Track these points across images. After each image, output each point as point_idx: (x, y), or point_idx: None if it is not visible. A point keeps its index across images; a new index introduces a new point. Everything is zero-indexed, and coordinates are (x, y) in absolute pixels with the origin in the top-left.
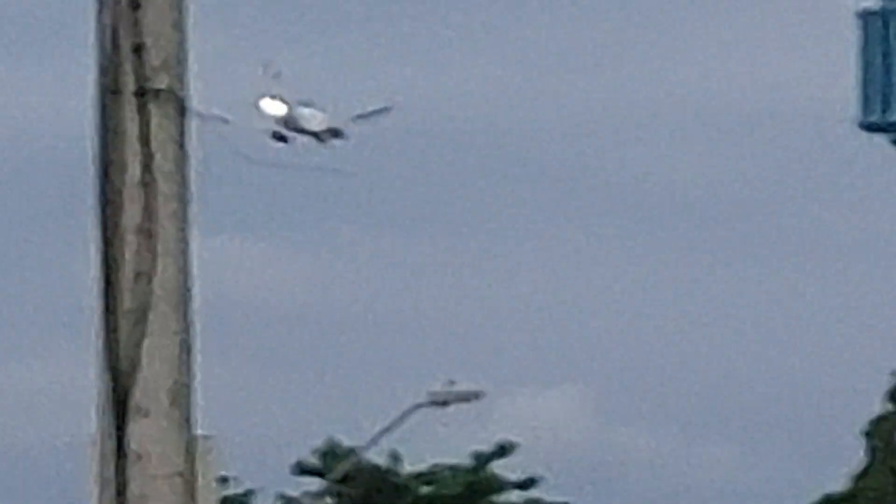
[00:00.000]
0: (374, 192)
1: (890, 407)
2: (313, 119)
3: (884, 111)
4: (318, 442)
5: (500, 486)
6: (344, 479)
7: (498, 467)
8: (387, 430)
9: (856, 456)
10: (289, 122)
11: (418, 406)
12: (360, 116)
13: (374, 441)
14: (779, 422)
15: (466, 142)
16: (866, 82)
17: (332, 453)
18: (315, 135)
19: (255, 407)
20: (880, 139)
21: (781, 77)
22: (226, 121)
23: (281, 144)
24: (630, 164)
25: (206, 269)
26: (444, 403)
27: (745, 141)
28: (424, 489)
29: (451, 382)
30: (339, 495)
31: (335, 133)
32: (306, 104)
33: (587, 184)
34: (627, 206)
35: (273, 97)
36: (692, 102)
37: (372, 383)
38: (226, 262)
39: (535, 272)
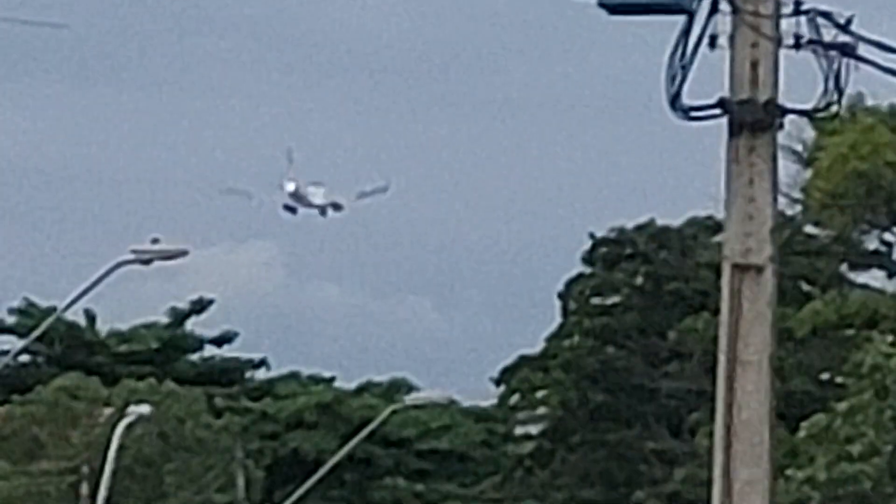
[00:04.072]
0: (81, 47)
1: (586, 269)
2: (317, 195)
3: None
4: (15, 301)
5: (197, 342)
6: (41, 338)
7: (194, 324)
8: (89, 289)
9: (551, 316)
10: (298, 197)
11: (121, 264)
12: (362, 194)
13: (76, 299)
14: (476, 279)
15: None
16: None
17: (28, 312)
18: (319, 207)
19: None
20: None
21: None
22: (250, 195)
23: (290, 215)
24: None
25: None
26: (148, 261)
27: (456, 4)
28: (121, 347)
29: (156, 240)
30: (35, 354)
31: (336, 206)
32: (316, 183)
33: (287, 38)
34: (319, 60)
35: (290, 178)
36: None
37: (71, 241)
38: None
39: (261, 127)
